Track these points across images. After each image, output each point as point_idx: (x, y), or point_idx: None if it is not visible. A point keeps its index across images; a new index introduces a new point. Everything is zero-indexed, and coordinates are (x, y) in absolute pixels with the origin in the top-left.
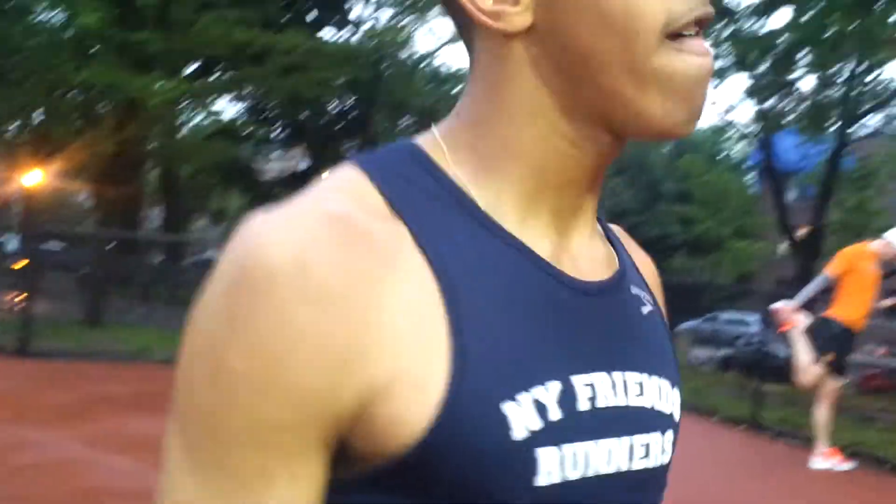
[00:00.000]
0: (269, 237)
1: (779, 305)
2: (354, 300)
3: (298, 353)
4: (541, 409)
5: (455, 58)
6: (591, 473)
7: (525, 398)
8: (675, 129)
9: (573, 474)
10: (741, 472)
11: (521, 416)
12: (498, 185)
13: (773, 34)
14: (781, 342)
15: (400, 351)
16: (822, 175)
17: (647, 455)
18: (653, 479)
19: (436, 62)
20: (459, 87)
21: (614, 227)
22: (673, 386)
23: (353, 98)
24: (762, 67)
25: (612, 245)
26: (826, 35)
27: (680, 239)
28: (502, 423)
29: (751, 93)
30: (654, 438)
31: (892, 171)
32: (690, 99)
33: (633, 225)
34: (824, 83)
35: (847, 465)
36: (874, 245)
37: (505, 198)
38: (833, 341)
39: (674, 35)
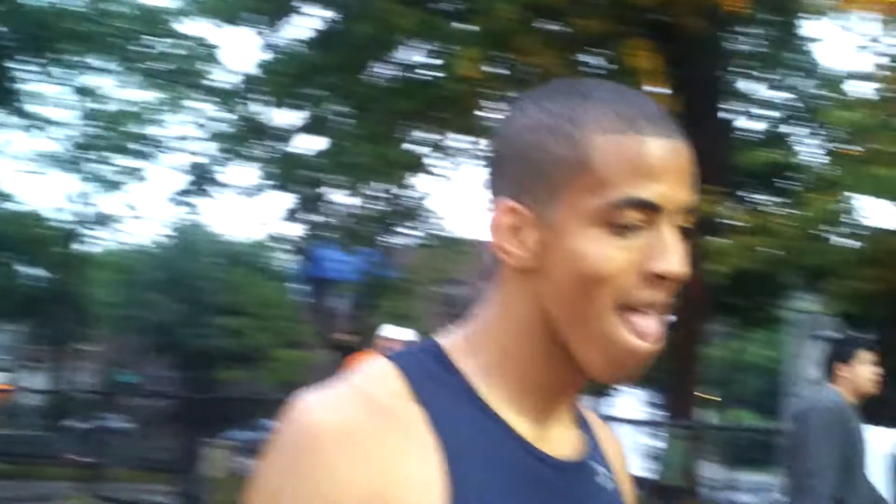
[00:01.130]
0: (315, 408)
1: None
2: (383, 458)
3: (345, 498)
4: None
5: None
6: None
7: None
8: (608, 381)
9: None
10: None
11: None
12: (498, 381)
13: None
14: None
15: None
16: (362, 284)
17: None
18: None
19: None
20: None
21: (589, 414)
22: None
23: None
24: (300, 186)
25: (585, 430)
26: (357, 162)
27: (228, 351)
28: None
29: (292, 210)
30: None
31: (430, 277)
32: (624, 368)
33: (180, 339)
34: (358, 201)
35: None
36: (379, 350)
37: (503, 392)
38: None
39: (630, 308)
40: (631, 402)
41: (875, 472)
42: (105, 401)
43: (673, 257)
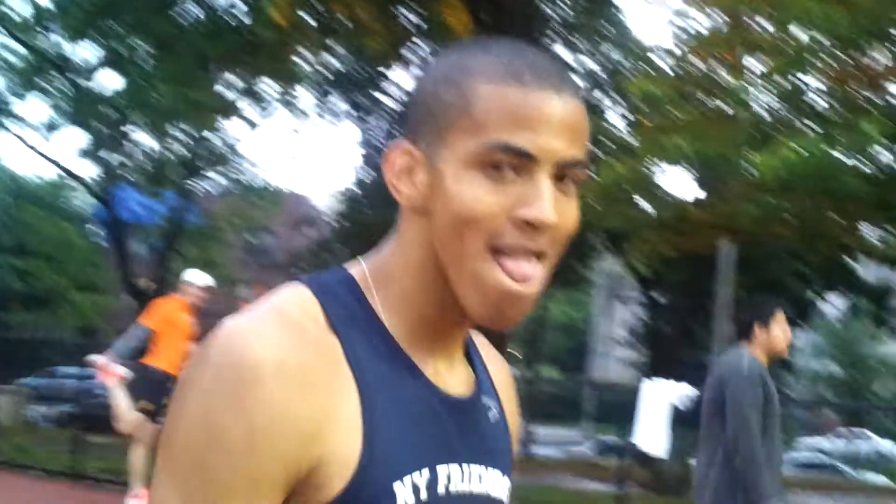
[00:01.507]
0: (251, 339)
1: (96, 357)
2: (317, 389)
3: (280, 426)
4: (416, 489)
5: None
6: None
7: (407, 480)
8: (489, 324)
9: None
10: None
11: (403, 493)
12: (399, 318)
13: (107, 96)
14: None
15: (338, 435)
16: (165, 229)
17: None
18: None
19: None
20: None
21: (478, 340)
22: (504, 475)
23: None
24: (99, 124)
25: (473, 363)
26: (159, 103)
27: (18, 292)
28: (392, 497)
29: (89, 148)
30: None
31: (236, 225)
32: (499, 309)
33: None
34: (162, 143)
35: None
36: (182, 295)
37: (405, 328)
38: (151, 388)
39: (502, 252)
40: None
41: (661, 421)
42: None
43: (542, 205)
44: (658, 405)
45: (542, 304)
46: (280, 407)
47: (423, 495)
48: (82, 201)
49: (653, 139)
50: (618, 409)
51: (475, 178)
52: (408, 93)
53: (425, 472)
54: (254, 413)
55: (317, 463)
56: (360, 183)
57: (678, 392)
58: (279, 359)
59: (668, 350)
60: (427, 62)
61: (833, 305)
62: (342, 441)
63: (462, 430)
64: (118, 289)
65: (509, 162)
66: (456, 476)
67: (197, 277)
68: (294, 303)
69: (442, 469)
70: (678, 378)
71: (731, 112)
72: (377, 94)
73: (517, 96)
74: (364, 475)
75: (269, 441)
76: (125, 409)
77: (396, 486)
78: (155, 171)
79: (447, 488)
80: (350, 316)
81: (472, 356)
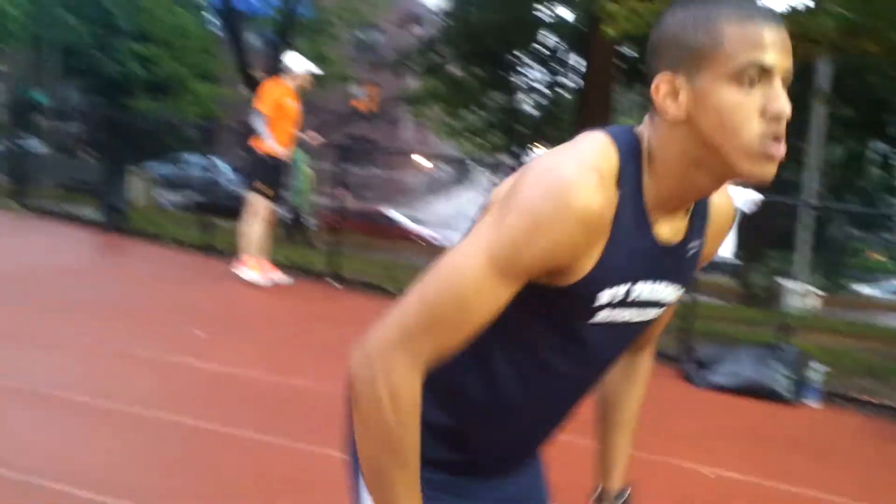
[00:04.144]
0: (573, 176)
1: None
2: (593, 231)
3: (562, 238)
4: (612, 297)
5: None
6: (615, 320)
7: (610, 291)
8: (754, 178)
9: (606, 320)
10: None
11: (603, 297)
12: (653, 188)
13: None
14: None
15: (585, 256)
16: (278, 21)
17: (646, 316)
18: (643, 325)
19: None
20: None
21: (715, 199)
22: (680, 288)
23: None
24: None
25: (700, 215)
26: None
27: (140, 79)
28: (594, 298)
29: None
30: (654, 311)
31: (346, 20)
32: (763, 171)
33: (89, 63)
34: None
35: (284, 278)
36: (286, 80)
37: (652, 197)
38: (266, 171)
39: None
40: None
41: None
42: (18, 120)
43: (782, 102)
44: None
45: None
46: (570, 231)
47: (617, 299)
48: None
49: None
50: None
51: (731, 89)
52: (654, 37)
53: (626, 286)
54: (551, 221)
55: (566, 267)
56: None
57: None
58: (586, 207)
59: None
60: (666, 15)
61: None
62: (584, 259)
63: (663, 263)
64: (235, 79)
65: (755, 75)
66: (646, 290)
67: (298, 62)
68: (605, 159)
69: (638, 286)
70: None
71: None
72: None
73: (755, 31)
74: (585, 281)
75: (553, 239)
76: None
77: (602, 294)
78: None
79: (636, 297)
80: (632, 176)
81: (699, 208)
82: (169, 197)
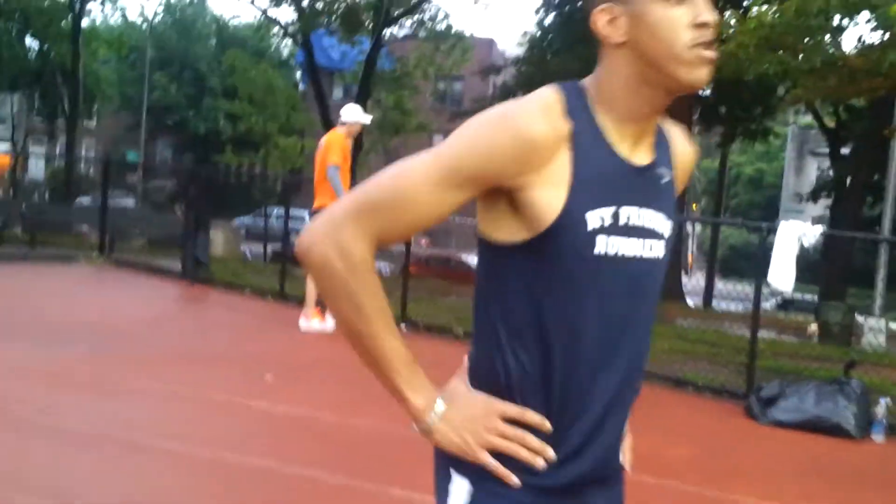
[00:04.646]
0: (513, 106)
1: None
2: (543, 151)
3: (499, 150)
4: (601, 219)
5: None
6: (621, 253)
7: (596, 212)
8: (694, 88)
9: (612, 251)
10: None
11: (592, 220)
12: (607, 116)
13: None
14: None
15: (547, 182)
16: (360, 74)
17: (651, 251)
18: (655, 265)
19: None
20: None
21: (670, 128)
22: (668, 218)
23: None
24: None
25: (659, 145)
26: None
27: (228, 135)
28: (584, 223)
29: None
30: (655, 243)
31: (424, 71)
32: (702, 76)
33: (180, 121)
34: None
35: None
36: (343, 129)
37: (612, 122)
38: None
39: (698, 44)
40: None
41: (790, 259)
42: (110, 178)
43: (706, 11)
44: (789, 244)
45: (731, 159)
46: (507, 145)
47: (608, 223)
48: (281, 46)
49: None
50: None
51: (662, 6)
52: None
53: (611, 208)
54: (503, 137)
55: (521, 188)
56: (541, 25)
57: (808, 231)
58: (526, 126)
59: (850, 201)
60: None
61: None
62: (550, 186)
63: (639, 186)
64: (318, 132)
65: None
66: (634, 214)
67: (353, 113)
68: (546, 97)
69: (623, 209)
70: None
71: None
72: None
73: None
74: (567, 209)
75: (502, 150)
76: None
77: (588, 214)
78: (349, 17)
79: (628, 221)
80: (582, 108)
81: (660, 140)
82: (250, 247)
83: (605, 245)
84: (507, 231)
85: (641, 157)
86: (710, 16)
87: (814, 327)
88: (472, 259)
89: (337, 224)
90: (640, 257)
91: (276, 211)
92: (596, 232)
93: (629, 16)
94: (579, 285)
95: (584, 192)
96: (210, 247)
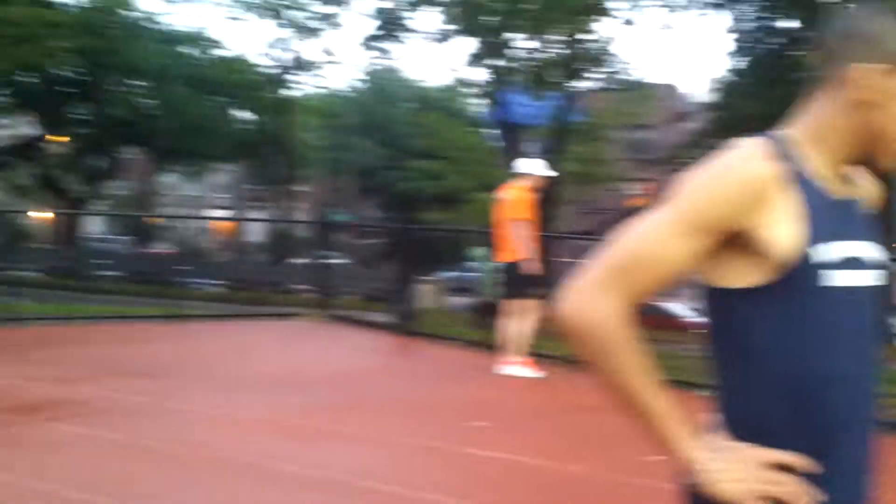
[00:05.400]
0: (730, 156)
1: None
2: (771, 186)
3: (731, 195)
4: (835, 252)
5: (183, 18)
6: (855, 285)
7: (829, 245)
8: (889, 169)
9: (848, 284)
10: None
11: (827, 253)
12: (820, 156)
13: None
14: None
15: (776, 222)
16: (551, 129)
17: (875, 281)
18: (878, 291)
19: (165, 21)
20: (193, 47)
21: (856, 171)
22: (881, 249)
23: (83, 63)
24: (483, 32)
25: (855, 180)
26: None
27: (429, 193)
28: (819, 255)
29: (476, 54)
30: (878, 274)
31: (615, 123)
32: None
33: (382, 182)
34: (542, 47)
35: (539, 372)
36: (525, 183)
37: (823, 162)
38: (528, 281)
39: None
40: None
41: None
42: (322, 237)
43: None
44: None
45: None
46: (736, 190)
47: (841, 257)
48: (474, 106)
49: None
50: None
51: None
52: (854, 29)
53: (841, 242)
54: (730, 185)
55: (755, 228)
56: (733, 70)
57: None
58: (748, 171)
59: None
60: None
61: None
62: (783, 224)
63: (855, 220)
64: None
65: None
66: (859, 248)
67: (537, 167)
68: (756, 146)
69: (850, 243)
70: None
71: None
72: None
73: None
74: (802, 245)
75: (735, 193)
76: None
77: (822, 248)
78: (536, 73)
79: (854, 255)
80: (787, 152)
81: (853, 178)
82: (454, 300)
83: (843, 278)
84: (741, 275)
85: (850, 192)
86: None
87: None
88: (671, 305)
89: (593, 292)
90: (870, 287)
91: (475, 263)
92: (833, 266)
93: (885, 89)
94: (824, 321)
95: (814, 228)
96: (417, 299)
